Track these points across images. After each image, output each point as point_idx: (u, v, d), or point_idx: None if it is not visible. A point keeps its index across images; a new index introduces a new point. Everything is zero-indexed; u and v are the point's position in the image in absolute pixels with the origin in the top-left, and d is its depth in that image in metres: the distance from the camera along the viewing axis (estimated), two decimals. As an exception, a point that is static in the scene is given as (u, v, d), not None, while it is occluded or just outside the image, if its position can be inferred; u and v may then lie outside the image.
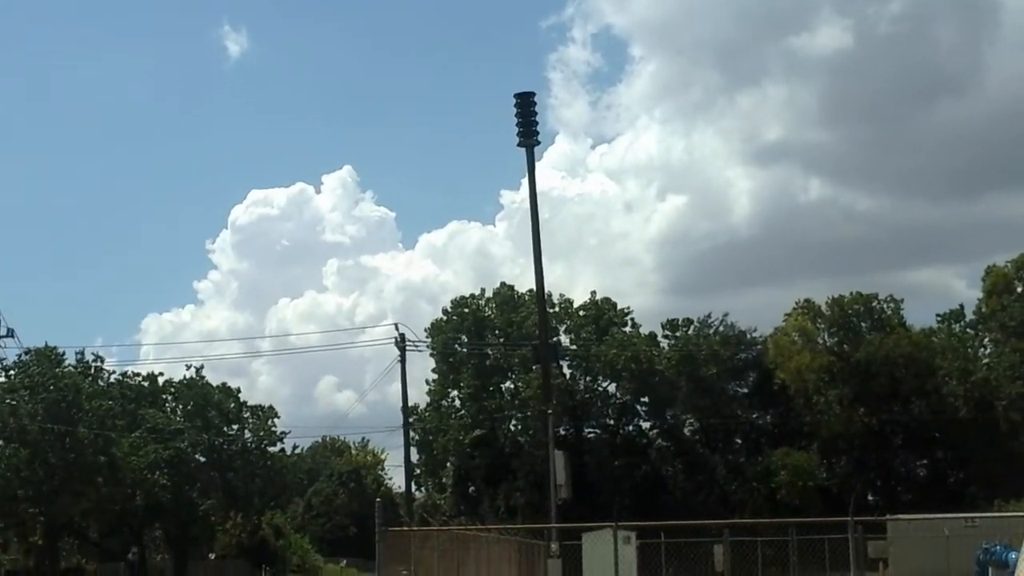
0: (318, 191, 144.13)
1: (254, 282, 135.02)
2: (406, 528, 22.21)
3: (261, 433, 67.94)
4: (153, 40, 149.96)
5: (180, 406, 67.21)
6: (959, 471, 71.16)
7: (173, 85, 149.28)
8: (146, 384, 66.85)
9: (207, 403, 66.47)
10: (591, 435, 73.76)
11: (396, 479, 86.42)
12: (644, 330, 75.18)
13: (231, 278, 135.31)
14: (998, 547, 41.43)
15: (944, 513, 50.85)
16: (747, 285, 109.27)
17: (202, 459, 66.02)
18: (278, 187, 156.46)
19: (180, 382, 67.69)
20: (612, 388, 73.95)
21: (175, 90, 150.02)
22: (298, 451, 76.17)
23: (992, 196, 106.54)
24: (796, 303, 74.15)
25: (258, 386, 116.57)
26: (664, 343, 74.50)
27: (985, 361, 72.01)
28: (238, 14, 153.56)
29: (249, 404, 69.00)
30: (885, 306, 73.95)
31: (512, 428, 73.53)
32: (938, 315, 76.44)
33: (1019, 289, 72.81)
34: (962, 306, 76.31)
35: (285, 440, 69.62)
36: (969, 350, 73.84)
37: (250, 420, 68.40)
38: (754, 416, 74.00)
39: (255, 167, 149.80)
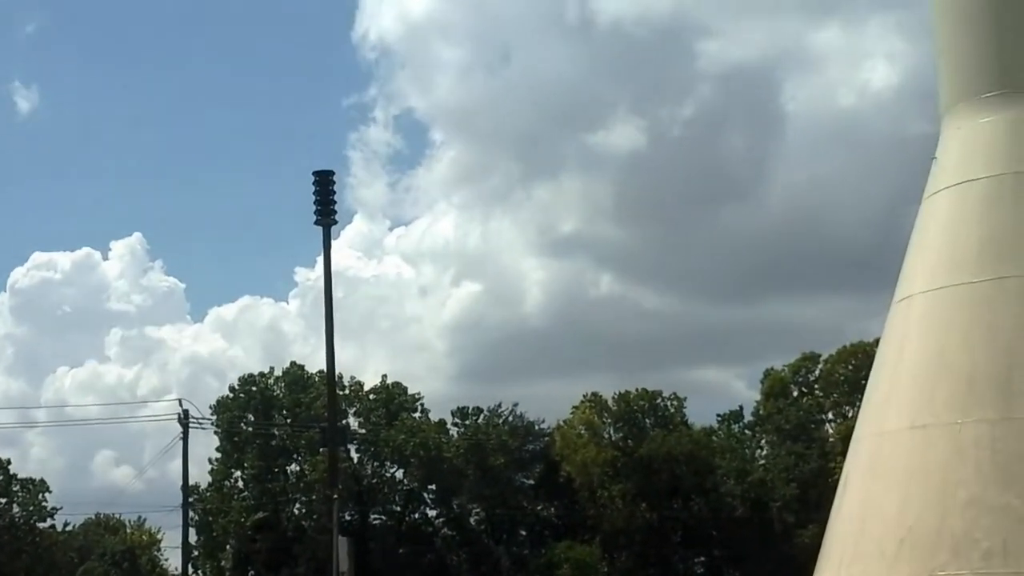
0: (105, 257, 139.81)
1: (31, 348, 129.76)
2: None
3: (31, 508, 65.15)
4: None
5: (-56, 476, 64.06)
6: (734, 570, 72.76)
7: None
8: (-93, 452, 63.55)
9: (-26, 474, 63.53)
10: (377, 521, 72.98)
11: (173, 560, 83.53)
12: (434, 416, 75.23)
13: (6, 343, 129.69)
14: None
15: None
16: (537, 375, 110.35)
17: (-35, 533, 62.88)
18: (63, 251, 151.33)
19: (-54, 451, 64.56)
20: (400, 474, 73.53)
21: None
22: (69, 528, 73.23)
23: (771, 301, 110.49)
24: (584, 396, 75.34)
25: (30, 457, 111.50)
26: (453, 430, 74.59)
27: (762, 462, 74.32)
28: (31, 70, 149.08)
29: (19, 477, 66.17)
30: (669, 403, 75.70)
31: (296, 512, 72.22)
32: (718, 415, 78.80)
33: (795, 393, 75.65)
34: (741, 407, 78.92)
35: (56, 516, 66.94)
36: (747, 451, 76.15)
37: (19, 494, 65.56)
38: (539, 508, 74.41)
39: (39, 228, 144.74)
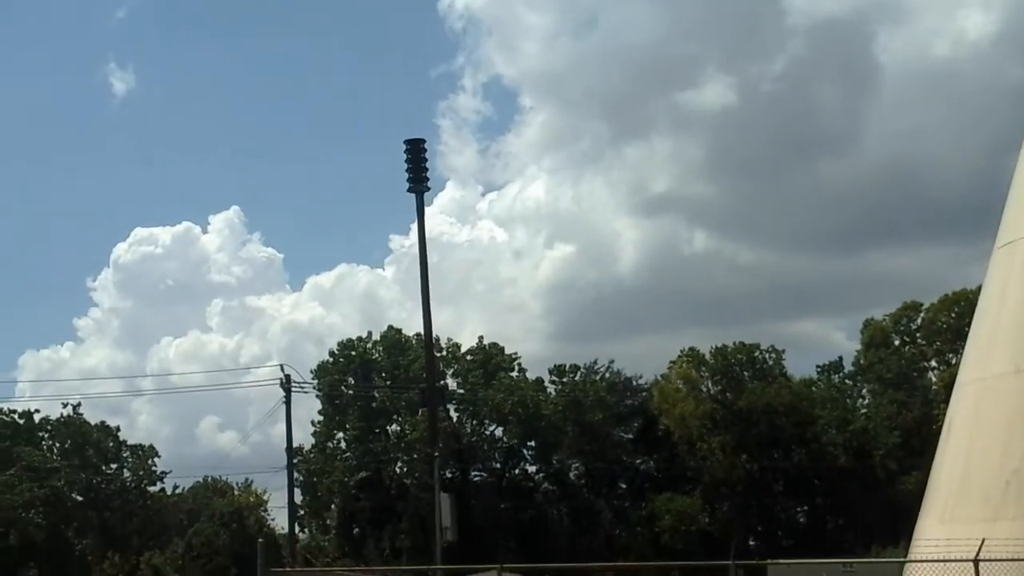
0: (204, 231, 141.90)
1: (136, 321, 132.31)
2: (289, 569, 21.99)
3: (141, 472, 66.81)
4: (37, 75, 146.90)
5: (57, 444, 65.79)
6: (837, 517, 72.41)
7: (58, 121, 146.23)
8: (21, 421, 65.32)
9: (85, 441, 65.27)
10: (477, 478, 73.69)
11: (279, 520, 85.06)
12: (531, 375, 75.64)
13: (112, 316, 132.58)
14: (875, 593, 42.44)
15: (822, 558, 51.70)
16: (632, 333, 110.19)
17: (79, 498, 64.63)
18: (163, 226, 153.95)
19: (57, 420, 66.28)
20: (499, 432, 74.09)
21: (59, 126, 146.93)
22: (179, 491, 74.92)
23: (870, 252, 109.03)
24: (681, 351, 75.17)
25: (138, 425, 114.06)
26: (551, 388, 74.88)
27: (863, 411, 73.69)
28: (125, 51, 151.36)
29: (129, 443, 67.82)
30: (767, 356, 75.23)
31: (398, 471, 73.20)
32: (818, 366, 78.27)
33: (896, 342, 74.81)
34: (841, 358, 78.24)
35: (165, 480, 68.59)
36: (848, 400, 75.54)
37: (129, 459, 67.25)
38: (638, 462, 74.55)
39: (140, 205, 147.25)
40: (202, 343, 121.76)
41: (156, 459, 67.73)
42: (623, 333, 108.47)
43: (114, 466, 66.77)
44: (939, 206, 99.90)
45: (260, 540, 20.46)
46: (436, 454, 47.43)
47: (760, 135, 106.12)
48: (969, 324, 27.40)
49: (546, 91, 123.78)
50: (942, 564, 20.42)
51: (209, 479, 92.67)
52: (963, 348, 27.74)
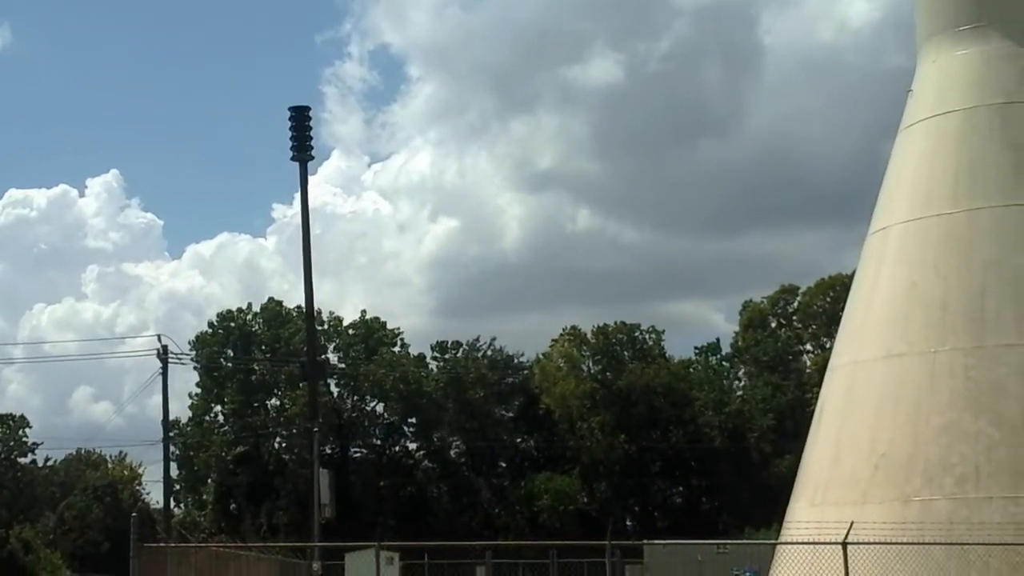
0: (82, 194, 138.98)
1: (8, 286, 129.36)
2: (163, 545, 21.68)
3: (11, 443, 65.29)
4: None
5: (-76, 413, 64.09)
6: (712, 499, 73.55)
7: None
8: None
9: (-46, 411, 63.59)
10: (357, 455, 73.38)
11: (154, 494, 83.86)
12: (413, 351, 75.51)
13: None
14: (747, 573, 43.20)
15: (697, 539, 52.50)
16: (515, 310, 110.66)
17: (-54, 469, 63.07)
18: (39, 188, 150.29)
19: (-75, 388, 64.55)
20: (380, 408, 73.86)
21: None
22: (50, 463, 73.47)
23: (749, 235, 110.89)
24: (563, 330, 75.74)
25: (8, 394, 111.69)
26: (433, 365, 74.85)
27: (739, 393, 74.94)
28: (1, 9, 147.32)
29: (-1, 413, 66.27)
30: (647, 336, 76.08)
31: (276, 446, 72.56)
32: (696, 347, 79.40)
33: (772, 325, 76.17)
34: (718, 340, 79.53)
35: (37, 451, 67.11)
36: (724, 382, 76.77)
37: None
38: (519, 440, 74.88)
39: (15, 166, 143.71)
40: (76, 311, 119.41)
41: (27, 429, 66.26)
42: (506, 310, 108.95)
43: (-17, 437, 65.18)
44: (817, 190, 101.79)
45: (134, 515, 20.12)
46: (316, 429, 46.98)
47: (645, 114, 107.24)
48: (843, 309, 27.99)
49: (434, 62, 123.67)
50: (812, 547, 20.86)
51: (82, 451, 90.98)
52: (837, 332, 28.32)
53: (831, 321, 66.44)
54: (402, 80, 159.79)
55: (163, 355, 56.58)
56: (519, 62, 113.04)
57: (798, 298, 75.02)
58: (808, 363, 72.59)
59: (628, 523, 71.69)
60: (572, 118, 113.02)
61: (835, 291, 69.20)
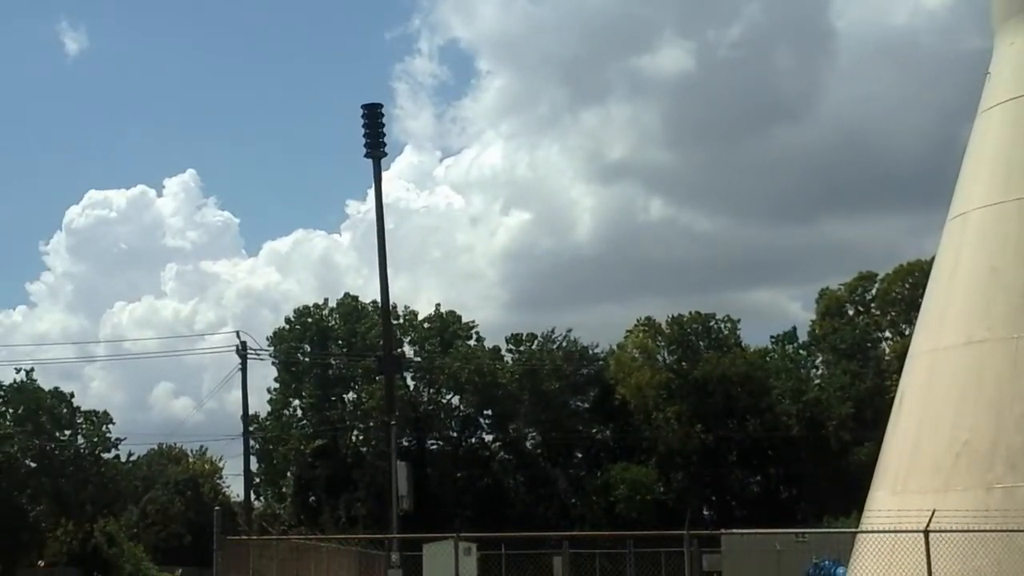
0: (159, 194, 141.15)
1: (89, 285, 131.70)
2: (245, 537, 21.96)
3: (95, 439, 66.31)
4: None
5: (9, 410, 65.23)
6: (790, 488, 73.02)
7: (8, 82, 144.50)
8: (-28, 387, 64.68)
9: (38, 407, 64.65)
10: (434, 447, 73.80)
11: (235, 487, 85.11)
12: (488, 344, 75.69)
13: (65, 280, 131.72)
14: (827, 562, 42.79)
15: (775, 528, 52.13)
16: (589, 302, 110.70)
17: (32, 464, 64.13)
18: (118, 188, 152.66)
19: (10, 386, 65.68)
20: (456, 400, 74.17)
21: (10, 87, 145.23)
22: (133, 458, 74.54)
23: (827, 221, 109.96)
24: (637, 320, 75.54)
25: (91, 391, 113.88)
26: (508, 357, 75.03)
27: (817, 382, 74.28)
28: (77, 11, 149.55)
29: (82, 409, 67.30)
30: (722, 326, 75.66)
31: (354, 439, 73.20)
32: (772, 336, 78.83)
33: (850, 312, 75.38)
34: (795, 328, 78.88)
35: (120, 446, 68.12)
36: (802, 371, 76.12)
37: (83, 425, 66.72)
38: (594, 431, 74.84)
39: (93, 168, 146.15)
40: (156, 308, 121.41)
41: (110, 425, 67.18)
42: (579, 301, 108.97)
43: (68, 432, 66.18)
44: (894, 175, 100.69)
45: (217, 508, 20.41)
46: (393, 422, 47.31)
47: (717, 101, 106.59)
48: (923, 295, 27.66)
49: (503, 55, 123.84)
50: (893, 535, 20.66)
51: (164, 446, 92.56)
52: (916, 319, 27.99)
53: (910, 308, 65.69)
54: (472, 74, 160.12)
55: (242, 351, 57.33)
56: (588, 53, 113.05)
57: (876, 285, 74.18)
58: (887, 350, 71.76)
59: (705, 513, 71.41)
60: (643, 108, 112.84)
61: (914, 277, 68.35)
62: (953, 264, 25.48)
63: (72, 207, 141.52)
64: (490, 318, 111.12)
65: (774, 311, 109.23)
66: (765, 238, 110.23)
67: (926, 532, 18.69)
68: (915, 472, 23.49)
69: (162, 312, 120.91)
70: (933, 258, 28.29)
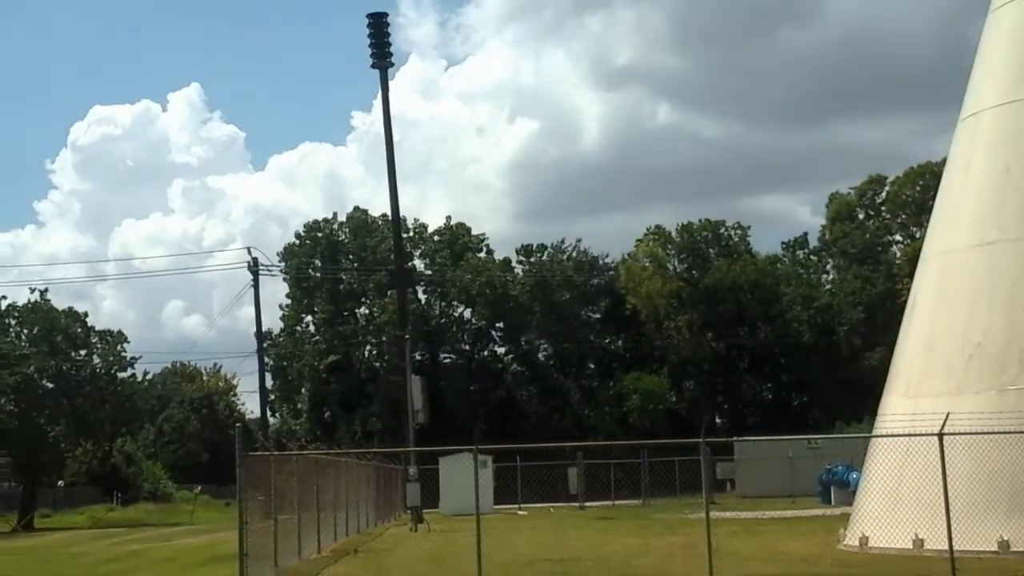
0: (164, 109, 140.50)
1: (97, 203, 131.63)
2: (266, 453, 22.08)
3: (111, 358, 66.56)
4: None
5: (25, 331, 65.45)
6: (802, 395, 73.42)
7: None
8: (-12, 308, 64.83)
9: (53, 328, 64.82)
10: (447, 360, 74.18)
11: (249, 404, 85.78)
12: (498, 256, 75.73)
13: (73, 199, 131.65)
14: (840, 467, 43.17)
15: (788, 435, 52.36)
16: (598, 211, 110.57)
17: (50, 385, 64.50)
18: (122, 103, 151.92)
19: (24, 306, 65.84)
20: (467, 314, 74.39)
21: (8, 3, 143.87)
22: (148, 377, 74.97)
23: (835, 124, 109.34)
24: (647, 229, 75.47)
25: (103, 310, 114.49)
26: (518, 268, 75.07)
27: (828, 287, 74.32)
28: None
29: (97, 329, 67.53)
30: (732, 233, 75.53)
31: (367, 354, 73.52)
32: (783, 242, 78.76)
33: (860, 216, 75.12)
34: (806, 233, 78.76)
35: (135, 365, 68.44)
36: (812, 276, 76.11)
37: (98, 345, 66.94)
38: (606, 341, 75.09)
39: (98, 83, 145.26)
40: (164, 225, 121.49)
41: (125, 344, 67.44)
42: (588, 211, 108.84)
43: (83, 352, 66.43)
44: (904, 76, 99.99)
45: (238, 425, 20.51)
46: (407, 337, 47.55)
47: (723, 4, 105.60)
48: (934, 197, 27.48)
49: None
50: (906, 439, 20.72)
51: (178, 364, 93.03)
52: (928, 222, 27.84)
53: (921, 211, 65.47)
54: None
55: (254, 268, 57.39)
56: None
57: (886, 188, 73.87)
58: (898, 254, 71.69)
59: (718, 421, 71.92)
60: (649, 11, 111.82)
61: (925, 180, 68.05)
62: (965, 165, 25.27)
63: (77, 124, 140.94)
64: (499, 229, 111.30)
65: (784, 216, 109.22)
66: (773, 142, 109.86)
67: (940, 435, 18.73)
68: (928, 375, 23.49)
69: (170, 229, 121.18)
70: (944, 160, 28.06)
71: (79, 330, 66.19)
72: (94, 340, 66.80)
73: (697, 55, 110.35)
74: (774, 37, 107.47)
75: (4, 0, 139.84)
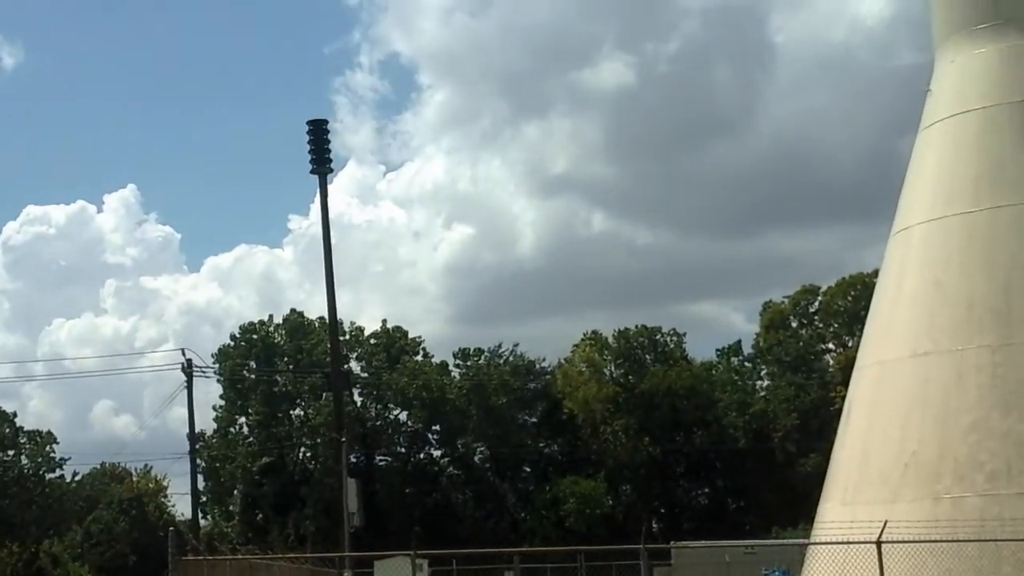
0: (100, 210, 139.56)
1: (27, 302, 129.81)
2: (200, 558, 21.89)
3: (39, 459, 65.65)
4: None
5: (-49, 430, 64.50)
6: (739, 500, 73.55)
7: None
8: (-86, 407, 63.90)
9: (-20, 428, 63.98)
10: (382, 463, 73.66)
11: (180, 506, 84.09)
12: (435, 359, 75.68)
13: (2, 298, 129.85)
14: (777, 573, 43.27)
15: (725, 540, 52.52)
16: (534, 316, 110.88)
17: (-25, 485, 63.46)
18: (57, 204, 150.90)
19: (-49, 405, 64.94)
20: (404, 416, 74.06)
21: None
22: (77, 478, 73.86)
23: (767, 235, 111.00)
24: (584, 334, 75.79)
25: (29, 410, 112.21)
26: (455, 372, 75.06)
27: (762, 394, 74.96)
28: (12, 26, 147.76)
29: (25, 429, 66.63)
30: (668, 339, 76.12)
31: (301, 456, 72.88)
32: (718, 349, 79.45)
33: (794, 324, 76.15)
34: (740, 341, 79.53)
35: (64, 466, 67.45)
36: (747, 383, 76.79)
37: (27, 446, 66.06)
38: (542, 445, 74.96)
39: (32, 182, 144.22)
40: (95, 326, 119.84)
41: (54, 445, 66.57)
42: (524, 315, 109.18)
43: (11, 453, 65.49)
44: (835, 189, 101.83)
45: (171, 528, 20.33)
46: (343, 439, 47.30)
47: (657, 115, 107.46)
48: (866, 308, 28.10)
49: (444, 69, 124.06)
50: (844, 546, 20.95)
51: (107, 465, 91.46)
52: (861, 331, 28.43)
53: (853, 320, 66.48)
54: (413, 88, 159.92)
55: (188, 368, 57.00)
56: (529, 67, 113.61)
57: (819, 298, 74.95)
58: (831, 362, 72.57)
59: (655, 526, 71.77)
60: (585, 122, 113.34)
61: (856, 290, 69.23)
62: (898, 278, 25.90)
63: (9, 223, 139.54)
64: (434, 332, 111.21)
65: (719, 324, 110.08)
66: (707, 251, 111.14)
67: (878, 543, 19.00)
68: (864, 483, 23.84)
69: (102, 329, 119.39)
70: (876, 271, 28.78)
71: (7, 430, 65.37)
72: (22, 440, 65.94)
73: (631, 165, 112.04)
74: (707, 148, 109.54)
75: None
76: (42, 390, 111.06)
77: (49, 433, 67.45)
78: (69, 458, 67.90)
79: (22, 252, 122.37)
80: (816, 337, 74.87)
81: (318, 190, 48.43)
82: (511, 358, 75.04)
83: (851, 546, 20.48)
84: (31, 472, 65.32)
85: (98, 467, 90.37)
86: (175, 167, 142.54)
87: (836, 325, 73.34)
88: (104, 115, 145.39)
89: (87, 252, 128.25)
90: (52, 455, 66.26)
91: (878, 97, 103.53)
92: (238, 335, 75.29)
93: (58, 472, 66.84)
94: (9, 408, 68.43)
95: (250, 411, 73.76)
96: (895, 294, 25.79)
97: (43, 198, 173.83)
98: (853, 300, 69.67)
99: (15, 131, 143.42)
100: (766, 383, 76.28)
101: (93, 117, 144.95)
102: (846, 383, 27.94)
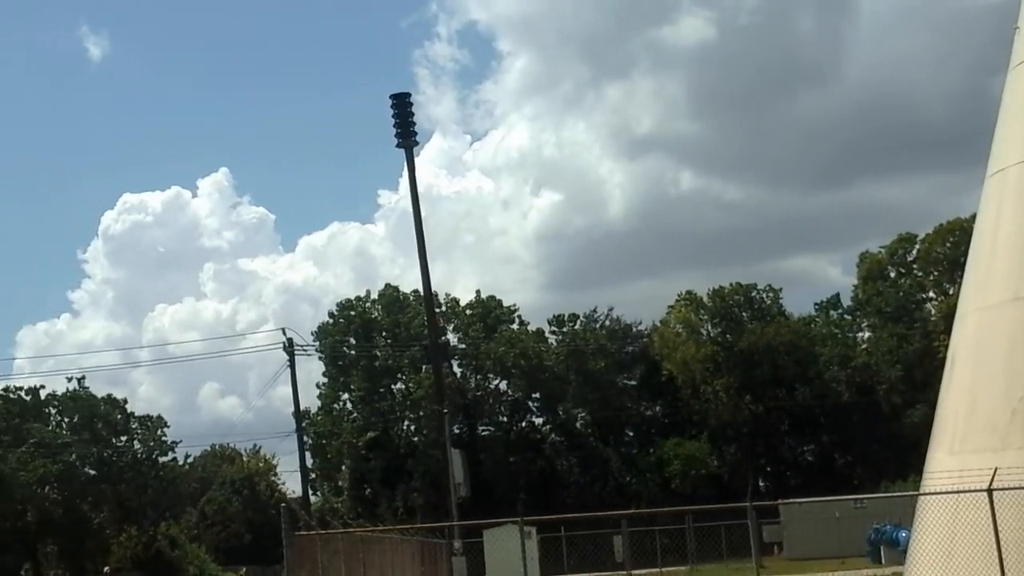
0: (194, 195, 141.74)
1: (130, 290, 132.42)
2: (312, 532, 22.31)
3: (151, 443, 67.11)
4: (6, 42, 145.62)
5: (65, 419, 66.09)
6: (845, 454, 72.99)
7: (35, 91, 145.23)
8: (28, 398, 65.51)
9: (93, 415, 65.48)
10: (485, 433, 74.24)
11: (290, 484, 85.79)
12: (530, 327, 75.95)
13: (106, 287, 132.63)
14: (888, 526, 42.93)
15: (833, 496, 52.13)
16: (626, 278, 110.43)
17: (92, 472, 65.00)
18: (152, 191, 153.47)
19: (64, 395, 66.51)
20: (503, 385, 74.54)
21: (38, 96, 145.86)
22: (189, 460, 75.48)
23: (861, 183, 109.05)
24: (679, 295, 75.62)
25: (139, 396, 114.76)
26: (551, 339, 75.26)
27: (864, 346, 74.09)
28: (96, 17, 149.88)
29: (136, 415, 68.14)
30: (764, 295, 75.63)
31: (406, 429, 73.72)
32: (816, 303, 78.72)
33: (892, 275, 75.11)
34: (838, 293, 78.69)
35: (176, 449, 68.90)
36: (848, 336, 75.95)
37: (139, 431, 67.54)
38: (643, 408, 75.01)
39: (127, 171, 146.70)
40: (197, 310, 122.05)
41: (165, 429, 68.00)
42: (617, 279, 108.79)
43: (124, 438, 67.03)
44: (926, 134, 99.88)
45: (283, 505, 20.76)
46: (445, 411, 47.72)
47: (740, 69, 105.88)
48: (965, 253, 27.62)
49: (523, 35, 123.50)
50: (955, 496, 20.73)
51: (217, 447, 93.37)
52: (960, 277, 27.94)
53: (953, 266, 65.44)
54: (492, 56, 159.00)
55: (289, 347, 57.83)
56: (608, 28, 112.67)
57: (917, 246, 73.86)
58: (932, 311, 71.50)
59: (761, 484, 71.48)
60: (667, 79, 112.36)
61: (955, 236, 68.09)
62: (995, 221, 25.43)
63: (108, 212, 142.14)
64: (528, 300, 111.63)
65: (815, 277, 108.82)
66: (799, 204, 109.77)
67: (989, 491, 18.80)
68: (972, 432, 23.50)
69: (203, 313, 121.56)
70: (972, 216, 28.27)
71: (119, 416, 66.85)
72: (134, 426, 67.45)
73: (716, 121, 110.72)
74: (793, 100, 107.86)
75: (28, 92, 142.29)
76: (150, 376, 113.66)
77: (160, 417, 68.88)
78: (180, 441, 69.28)
79: (122, 241, 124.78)
80: (916, 286, 73.77)
81: (405, 164, 48.83)
82: (607, 322, 75.12)
83: (962, 496, 20.26)
84: (144, 456, 66.76)
85: (208, 449, 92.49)
86: (265, 148, 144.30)
87: (936, 273, 72.24)
88: (192, 101, 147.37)
89: (184, 237, 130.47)
90: (164, 439, 67.62)
91: (965, 38, 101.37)
92: (336, 312, 76.29)
93: (170, 456, 68.24)
94: (120, 395, 69.86)
95: (352, 387, 74.73)
96: (993, 238, 25.31)
97: (138, 185, 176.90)
98: (952, 246, 68.51)
99: (106, 121, 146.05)
100: (867, 335, 75.42)
101: (181, 104, 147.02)
102: (949, 331, 27.49)
